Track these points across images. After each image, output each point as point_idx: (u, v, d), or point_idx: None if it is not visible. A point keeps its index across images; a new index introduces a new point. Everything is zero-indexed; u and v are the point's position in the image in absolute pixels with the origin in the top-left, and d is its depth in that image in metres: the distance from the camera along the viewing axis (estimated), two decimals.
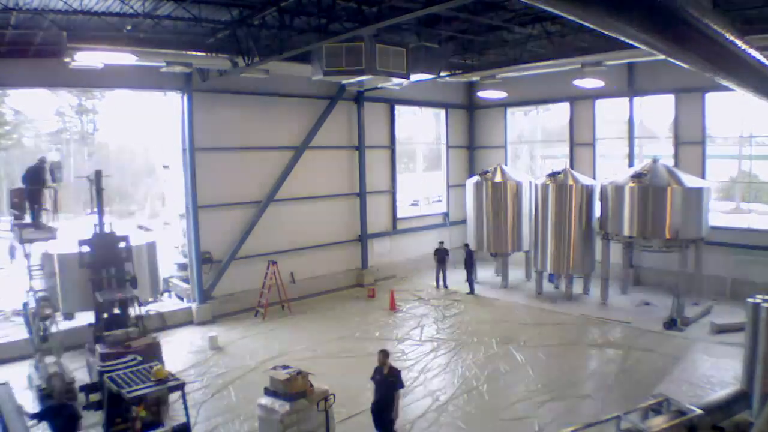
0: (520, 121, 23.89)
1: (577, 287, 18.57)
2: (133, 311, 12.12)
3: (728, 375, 11.56)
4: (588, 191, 17.92)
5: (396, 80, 15.18)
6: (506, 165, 21.57)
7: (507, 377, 12.15)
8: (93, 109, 43.49)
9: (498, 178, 19.85)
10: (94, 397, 9.18)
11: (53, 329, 11.70)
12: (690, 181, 16.28)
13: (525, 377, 12.13)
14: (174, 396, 8.94)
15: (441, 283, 19.97)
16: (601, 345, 14.16)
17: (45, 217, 13.18)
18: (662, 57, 7.14)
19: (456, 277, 20.16)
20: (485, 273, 21.13)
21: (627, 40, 6.05)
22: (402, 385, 9.40)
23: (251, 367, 12.99)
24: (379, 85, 17.76)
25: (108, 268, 12.44)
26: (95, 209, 12.41)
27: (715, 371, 12.02)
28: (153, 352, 10.85)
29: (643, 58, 14.58)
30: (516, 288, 19.80)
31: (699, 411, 7.91)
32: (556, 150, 22.11)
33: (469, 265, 19.26)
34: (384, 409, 9.16)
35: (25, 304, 12.39)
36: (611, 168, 19.98)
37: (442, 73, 17.41)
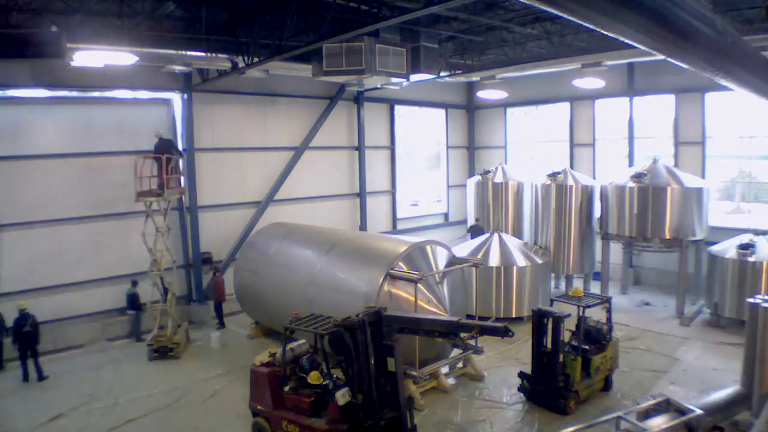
0: (520, 121, 23.88)
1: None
2: None
3: (728, 375, 11.59)
4: (588, 191, 17.93)
5: (396, 80, 15.18)
6: (506, 165, 21.56)
7: (507, 376, 12.13)
8: None
9: (499, 178, 19.86)
10: None
11: None
12: (690, 181, 16.27)
13: None
14: None
15: None
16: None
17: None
18: (662, 57, 7.13)
19: None
20: None
21: (627, 41, 6.04)
22: None
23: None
24: (379, 85, 17.76)
25: None
26: None
27: (715, 371, 12.04)
28: None
29: (643, 58, 14.57)
30: None
31: (699, 411, 7.92)
32: (556, 150, 22.10)
33: None
34: None
35: None
36: (611, 168, 19.98)
37: (442, 73, 17.41)
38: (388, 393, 8.34)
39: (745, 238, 14.73)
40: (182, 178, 15.62)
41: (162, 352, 13.44)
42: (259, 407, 9.46)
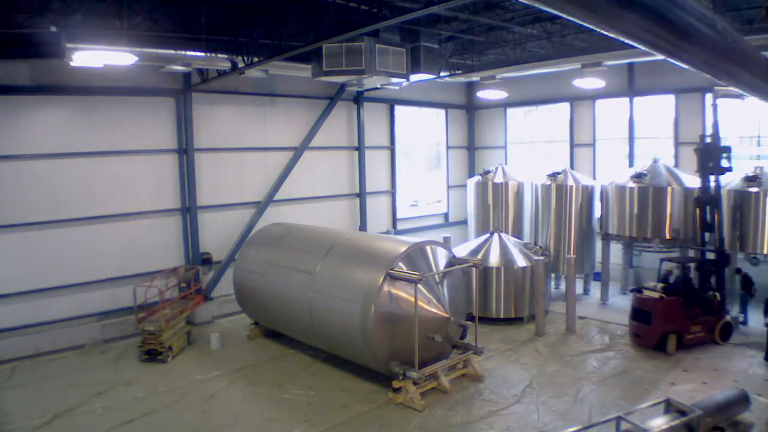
0: (520, 121, 23.87)
1: (578, 287, 18.54)
2: None
3: (728, 376, 11.59)
4: (588, 191, 17.93)
5: (396, 80, 15.16)
6: (506, 165, 21.56)
7: (506, 377, 12.15)
8: None
9: (499, 178, 19.86)
10: None
11: None
12: (690, 181, 16.26)
13: (524, 377, 12.14)
14: None
15: None
16: (601, 345, 14.14)
17: None
18: (662, 57, 7.12)
19: None
20: None
21: (627, 41, 6.03)
22: None
23: (251, 367, 13.02)
24: (379, 86, 17.75)
25: None
26: None
27: (715, 372, 12.04)
28: None
29: (643, 58, 14.56)
30: None
31: (699, 412, 7.91)
32: (556, 150, 22.10)
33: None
34: None
35: None
36: (611, 168, 19.97)
37: (442, 73, 17.40)
38: None
39: None
40: None
41: (152, 355, 13.26)
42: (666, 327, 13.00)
